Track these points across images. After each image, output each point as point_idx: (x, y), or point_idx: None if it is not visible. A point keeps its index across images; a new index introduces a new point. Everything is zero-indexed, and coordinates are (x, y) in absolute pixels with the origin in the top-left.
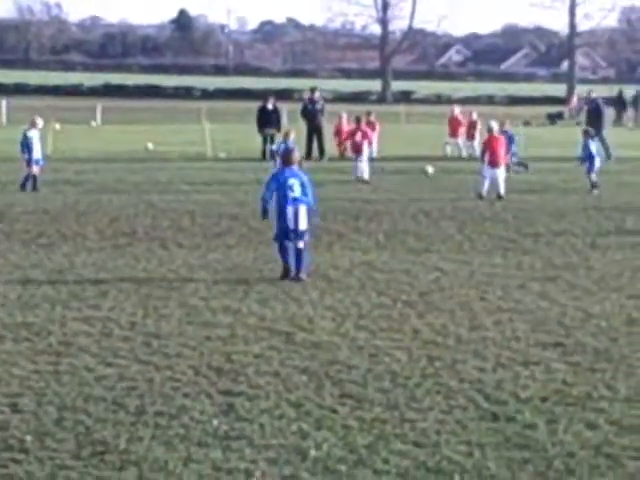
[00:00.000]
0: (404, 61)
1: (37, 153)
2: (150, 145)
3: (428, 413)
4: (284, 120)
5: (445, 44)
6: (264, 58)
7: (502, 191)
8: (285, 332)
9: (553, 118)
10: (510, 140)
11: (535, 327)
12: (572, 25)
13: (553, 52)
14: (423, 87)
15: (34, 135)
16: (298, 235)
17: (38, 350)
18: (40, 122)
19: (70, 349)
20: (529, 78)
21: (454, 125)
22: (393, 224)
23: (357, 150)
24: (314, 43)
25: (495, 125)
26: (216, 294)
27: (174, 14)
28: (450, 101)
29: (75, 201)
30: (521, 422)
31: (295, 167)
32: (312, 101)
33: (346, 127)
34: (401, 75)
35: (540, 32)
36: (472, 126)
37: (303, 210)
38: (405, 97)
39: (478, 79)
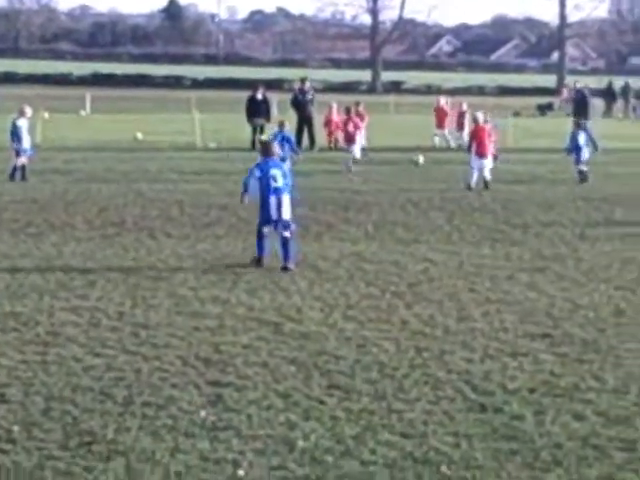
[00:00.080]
0: (394, 51)
1: (26, 142)
2: (139, 135)
3: (416, 404)
4: (274, 110)
5: (435, 34)
6: (254, 48)
7: (488, 177)
8: (273, 322)
9: (543, 109)
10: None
11: (523, 318)
12: (562, 16)
13: (543, 43)
14: (413, 77)
15: (23, 124)
16: (283, 225)
17: (26, 340)
18: (29, 111)
19: (58, 339)
20: (519, 69)
21: (440, 116)
22: (382, 215)
23: (350, 140)
24: (304, 33)
25: (481, 116)
26: (205, 284)
27: (164, 3)
28: (440, 91)
29: (64, 190)
30: (509, 413)
31: (276, 158)
32: (302, 91)
33: (336, 117)
34: (391, 65)
35: (530, 23)
36: (462, 116)
37: (286, 199)
38: (395, 87)
39: (468, 70)
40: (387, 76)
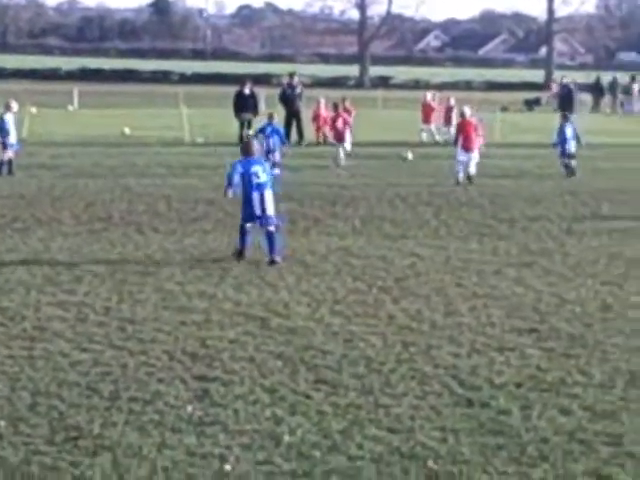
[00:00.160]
0: (382, 46)
1: (12, 137)
2: (127, 129)
3: (402, 399)
4: (262, 105)
5: (423, 29)
6: (242, 43)
7: (473, 171)
8: (260, 317)
9: (530, 104)
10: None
11: (510, 313)
12: (550, 11)
13: (531, 38)
14: (401, 72)
15: (9, 119)
16: (267, 220)
17: (12, 335)
18: (15, 106)
19: (44, 334)
20: (507, 64)
21: (427, 111)
22: (369, 209)
23: (340, 139)
24: (292, 28)
25: (468, 110)
26: (192, 279)
27: None
28: (428, 87)
29: (51, 185)
30: (495, 408)
31: (256, 157)
32: (291, 86)
33: (324, 112)
34: (379, 60)
35: (518, 18)
36: (449, 111)
37: (269, 195)
38: (383, 82)
39: (456, 64)
40: (375, 71)
